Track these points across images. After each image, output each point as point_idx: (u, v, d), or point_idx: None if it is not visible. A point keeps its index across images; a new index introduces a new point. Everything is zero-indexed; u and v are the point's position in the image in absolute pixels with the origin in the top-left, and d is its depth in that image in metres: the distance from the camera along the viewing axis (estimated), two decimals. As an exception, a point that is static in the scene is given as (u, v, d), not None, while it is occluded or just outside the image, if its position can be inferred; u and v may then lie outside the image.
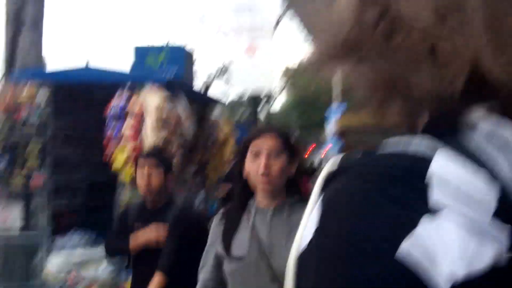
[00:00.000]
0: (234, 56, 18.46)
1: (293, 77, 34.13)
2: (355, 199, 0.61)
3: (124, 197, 5.99)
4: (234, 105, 45.09)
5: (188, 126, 6.19)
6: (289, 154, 2.53)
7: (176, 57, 8.97)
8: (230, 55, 19.45)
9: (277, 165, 2.47)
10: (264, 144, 2.49)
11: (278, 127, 2.64)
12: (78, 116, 7.13)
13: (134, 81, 6.05)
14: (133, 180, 5.84)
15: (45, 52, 8.63)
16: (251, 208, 2.59)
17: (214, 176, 7.84)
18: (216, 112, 7.85)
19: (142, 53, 9.12)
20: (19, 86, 6.26)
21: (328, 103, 33.50)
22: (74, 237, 6.11)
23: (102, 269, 5.77)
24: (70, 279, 5.78)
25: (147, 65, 8.83)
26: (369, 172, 0.63)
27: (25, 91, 6.22)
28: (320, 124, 40.71)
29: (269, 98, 34.29)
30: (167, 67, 8.69)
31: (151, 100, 5.71)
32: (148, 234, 3.66)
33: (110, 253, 4.07)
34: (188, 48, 9.78)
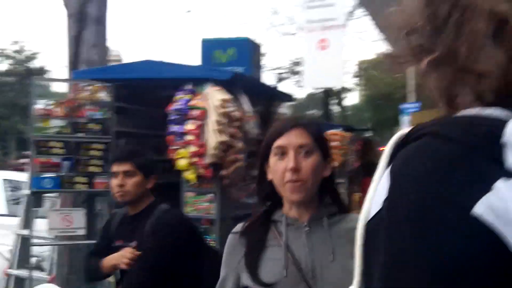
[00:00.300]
0: (306, 51, 18.04)
1: (366, 72, 33.42)
2: (428, 162, 0.65)
3: (189, 199, 5.67)
4: (305, 102, 44.71)
5: (253, 125, 5.81)
6: (321, 153, 2.08)
7: (244, 50, 8.59)
8: (301, 50, 18.96)
9: (308, 164, 2.03)
10: (290, 141, 2.05)
11: (306, 120, 2.17)
12: (141, 114, 6.87)
13: (198, 76, 5.70)
14: (198, 182, 5.57)
15: (110, 49, 8.40)
16: (278, 222, 2.13)
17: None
18: (284, 109, 7.43)
19: (209, 46, 8.77)
20: (81, 85, 6.02)
21: (402, 100, 32.91)
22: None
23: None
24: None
25: (214, 58, 8.49)
26: (444, 134, 0.67)
27: (88, 90, 5.98)
28: (394, 120, 40.18)
29: (342, 94, 33.66)
30: (235, 61, 8.34)
31: (214, 97, 5.35)
32: (115, 258, 3.30)
33: (88, 278, 3.84)
34: (257, 41, 9.42)
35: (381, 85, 34.03)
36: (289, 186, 2.02)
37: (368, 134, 12.95)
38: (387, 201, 0.68)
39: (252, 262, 2.07)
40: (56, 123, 5.92)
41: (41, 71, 36.24)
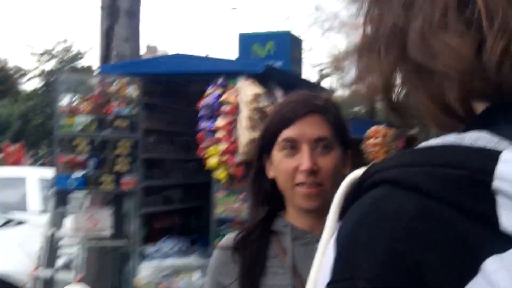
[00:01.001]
0: (350, 47, 17.72)
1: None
2: (384, 231, 0.47)
3: (219, 200, 5.38)
4: (349, 99, 44.21)
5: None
6: (342, 146, 1.60)
7: (283, 44, 8.27)
8: (345, 46, 18.65)
9: (327, 163, 1.54)
10: (304, 133, 1.55)
11: (322, 102, 1.62)
12: (171, 111, 6.60)
13: (229, 69, 5.39)
14: (229, 181, 5.27)
15: (143, 43, 8.15)
16: (281, 234, 1.63)
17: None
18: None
19: (247, 40, 8.47)
20: (109, 79, 5.76)
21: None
22: (166, 245, 5.54)
23: (196, 279, 5.23)
24: (162, 290, 5.27)
25: (252, 53, 8.20)
26: (407, 183, 0.48)
27: (116, 84, 5.72)
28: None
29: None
30: (274, 56, 8.02)
31: (246, 92, 5.03)
32: None
33: None
34: (298, 36, 9.09)
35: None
36: (301, 192, 1.54)
37: (413, 131, 12.44)
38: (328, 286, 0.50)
39: (249, 287, 1.58)
40: (81, 119, 5.67)
41: (88, 70, 36.54)
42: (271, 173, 1.62)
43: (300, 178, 1.53)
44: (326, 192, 1.53)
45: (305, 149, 1.53)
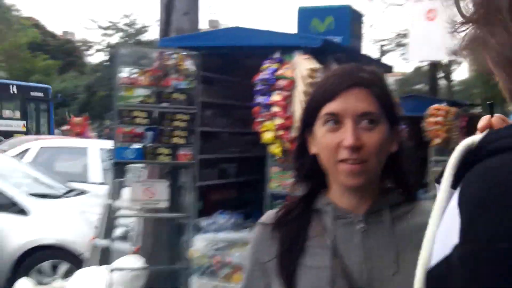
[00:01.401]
0: (412, 22, 17.28)
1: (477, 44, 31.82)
2: None
3: (274, 175, 5.37)
4: (411, 76, 43.31)
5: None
6: (389, 121, 1.51)
7: (343, 19, 8.12)
8: (408, 21, 18.22)
9: (372, 139, 1.45)
10: (348, 107, 1.46)
11: (368, 75, 1.52)
12: (228, 84, 6.60)
13: (286, 44, 5.34)
14: (284, 156, 5.25)
15: (205, 17, 8.16)
16: (323, 213, 1.56)
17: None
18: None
19: (306, 15, 8.36)
20: (167, 53, 5.79)
21: (516, 73, 31.37)
22: (220, 219, 5.58)
23: (249, 254, 5.25)
24: (215, 263, 5.32)
25: (311, 28, 8.09)
26: None
27: (175, 58, 5.75)
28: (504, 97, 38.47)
29: (450, 68, 32.24)
30: (334, 31, 7.90)
31: (302, 67, 4.98)
32: None
33: None
34: (358, 9, 8.91)
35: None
36: (345, 168, 1.45)
37: (475, 110, 12.16)
38: (461, 248, 0.51)
39: (288, 269, 1.51)
40: (140, 92, 5.73)
41: (151, 44, 36.97)
42: (313, 149, 1.55)
43: (343, 154, 1.45)
44: (371, 169, 1.46)
45: (348, 124, 1.45)
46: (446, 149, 10.44)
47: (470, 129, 11.24)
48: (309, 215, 1.57)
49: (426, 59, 17.37)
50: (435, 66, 17.36)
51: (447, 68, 31.32)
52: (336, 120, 1.47)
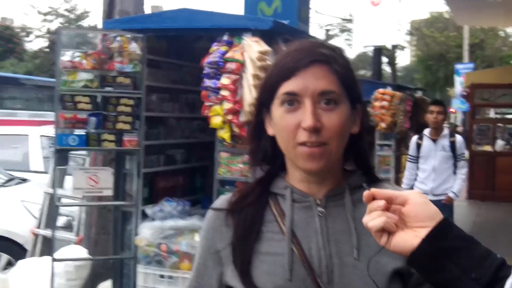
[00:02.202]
0: (357, 7, 17.40)
1: (419, 31, 32.35)
2: None
3: (223, 160, 5.24)
4: (355, 62, 43.74)
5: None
6: (350, 100, 1.41)
7: (291, 3, 8.05)
8: (352, 6, 18.32)
9: (332, 120, 1.36)
10: (307, 86, 1.35)
11: (328, 50, 1.41)
12: (175, 68, 6.42)
13: (235, 26, 5.20)
14: (233, 142, 5.13)
15: (148, 3, 7.96)
16: (280, 196, 1.48)
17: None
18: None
19: (253, -1, 8.25)
20: (111, 35, 5.57)
21: (454, 60, 32.03)
22: (167, 206, 5.42)
23: (198, 240, 5.12)
24: (162, 252, 5.18)
25: (259, 11, 7.98)
26: None
27: (119, 40, 5.54)
28: (445, 81, 39.38)
29: (393, 53, 32.67)
30: (281, 14, 7.81)
31: (252, 49, 4.85)
32: None
33: None
34: (304, -6, 8.84)
35: (433, 44, 32.99)
36: (303, 151, 1.36)
37: (418, 94, 12.32)
38: None
39: (243, 256, 1.42)
40: (83, 76, 5.50)
41: (94, 29, 36.19)
42: (270, 131, 1.46)
43: (301, 136, 1.35)
44: (331, 152, 1.38)
45: (307, 104, 1.35)
46: (391, 133, 10.53)
47: (415, 113, 11.36)
48: (266, 200, 1.48)
49: (370, 44, 17.50)
50: (379, 51, 17.48)
51: (390, 53, 31.74)
52: (294, 100, 1.37)
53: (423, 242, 1.12)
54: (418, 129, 11.51)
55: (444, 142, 7.39)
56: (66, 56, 5.46)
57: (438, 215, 1.16)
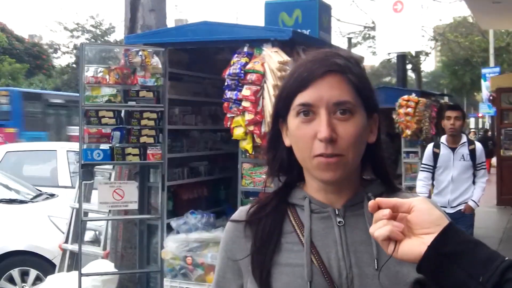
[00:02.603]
0: (380, 14, 17.35)
1: (443, 36, 32.10)
2: None
3: (245, 171, 5.25)
4: (379, 69, 43.54)
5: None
6: (366, 110, 1.40)
7: (311, 12, 8.05)
8: (375, 14, 18.28)
9: (348, 131, 1.35)
10: (321, 96, 1.34)
11: (343, 60, 1.40)
12: (197, 80, 6.46)
13: (255, 37, 5.22)
14: (255, 152, 5.13)
15: (171, 16, 8.01)
16: (298, 207, 1.47)
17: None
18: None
19: (274, 9, 8.27)
20: (133, 50, 5.62)
21: (480, 65, 31.69)
22: (192, 218, 5.44)
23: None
24: (188, 264, 5.19)
25: (280, 22, 8.00)
26: None
27: (141, 55, 5.59)
28: (471, 86, 38.97)
29: (417, 59, 32.44)
30: (302, 24, 7.82)
31: (272, 60, 4.86)
32: None
33: None
34: (325, 2, 8.84)
35: (458, 49, 32.69)
36: (319, 162, 1.35)
37: (444, 100, 12.23)
38: None
39: (262, 268, 1.42)
40: (106, 91, 5.56)
41: (115, 45, 36.59)
42: (287, 141, 1.46)
43: (317, 147, 1.35)
44: (348, 162, 1.36)
45: (322, 115, 1.34)
46: (417, 140, 10.45)
47: (440, 119, 11.27)
48: (284, 210, 1.48)
49: (394, 51, 17.42)
50: (403, 57, 17.39)
51: (415, 59, 31.53)
52: (309, 110, 1.36)
53: (429, 249, 1.12)
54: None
55: (463, 150, 6.73)
56: (90, 72, 5.52)
57: (443, 221, 1.16)
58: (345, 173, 1.37)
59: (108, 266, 5.79)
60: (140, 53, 5.59)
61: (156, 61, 5.61)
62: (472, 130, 38.13)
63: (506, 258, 1.09)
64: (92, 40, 38.57)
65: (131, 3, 7.35)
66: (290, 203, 1.49)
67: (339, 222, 1.42)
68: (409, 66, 30.47)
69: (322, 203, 1.45)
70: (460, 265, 1.09)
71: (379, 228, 1.17)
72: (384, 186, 1.49)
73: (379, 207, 1.19)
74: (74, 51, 39.33)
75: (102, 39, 38.77)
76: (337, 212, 1.43)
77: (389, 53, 23.02)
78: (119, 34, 38.99)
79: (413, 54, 28.34)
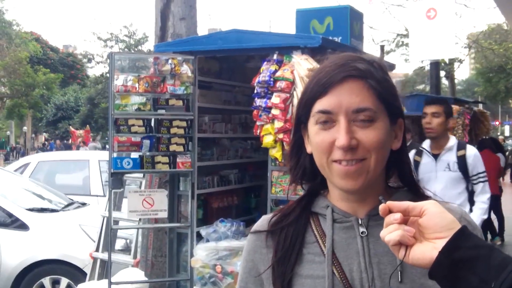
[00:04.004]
0: (413, 22, 17.21)
1: (477, 43, 31.71)
2: None
3: (275, 179, 5.20)
4: (412, 77, 43.17)
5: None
6: (389, 116, 1.35)
7: (343, 19, 7.99)
8: (408, 21, 18.16)
9: (369, 138, 1.30)
10: (341, 103, 1.30)
11: (365, 64, 1.35)
12: (227, 88, 6.45)
13: (284, 44, 5.18)
14: (285, 160, 5.08)
15: (202, 22, 8.03)
16: (321, 216, 1.43)
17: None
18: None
19: (305, 17, 8.23)
20: (163, 58, 5.63)
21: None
22: (221, 227, 5.40)
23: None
24: (217, 273, 5.16)
25: (311, 29, 7.96)
26: None
27: (170, 63, 5.59)
28: (506, 93, 38.43)
29: (451, 66, 32.08)
30: (333, 31, 7.76)
31: (301, 67, 4.81)
32: None
33: None
34: (357, 9, 8.78)
35: (492, 56, 32.25)
36: (339, 169, 1.31)
37: (478, 107, 12.03)
38: None
39: (283, 279, 1.38)
40: (136, 99, 5.57)
41: (144, 53, 36.87)
42: (309, 148, 1.41)
43: (336, 154, 1.31)
44: (369, 170, 1.32)
45: (342, 122, 1.30)
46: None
47: (473, 127, 11.08)
48: (307, 220, 1.44)
49: (427, 58, 17.23)
50: (436, 65, 17.20)
51: (448, 67, 31.18)
52: (329, 117, 1.32)
53: (441, 254, 1.09)
54: (479, 143, 11.25)
55: (449, 157, 5.17)
56: (119, 80, 5.53)
57: (455, 225, 1.12)
58: (367, 180, 1.32)
59: (138, 274, 5.78)
60: (170, 61, 5.58)
61: (185, 69, 5.60)
62: (500, 137, 37.44)
63: None
64: (126, 49, 38.98)
65: (162, 11, 7.39)
66: (313, 212, 1.45)
67: (362, 232, 1.37)
68: (442, 74, 30.15)
69: (345, 212, 1.40)
70: (473, 271, 1.06)
71: (390, 233, 1.13)
72: (411, 193, 1.43)
73: (390, 211, 1.15)
74: (108, 60, 39.83)
75: (136, 49, 39.16)
76: (360, 222, 1.38)
77: (422, 61, 22.75)
78: (152, 43, 39.41)
79: (447, 61, 28.02)
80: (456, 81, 38.18)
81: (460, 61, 33.29)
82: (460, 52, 30.74)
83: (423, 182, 4.76)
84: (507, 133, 49.41)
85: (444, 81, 34.25)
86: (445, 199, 4.01)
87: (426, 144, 5.33)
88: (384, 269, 1.34)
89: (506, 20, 16.53)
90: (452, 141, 5.24)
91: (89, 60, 43.76)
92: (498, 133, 43.97)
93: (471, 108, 11.56)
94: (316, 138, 1.34)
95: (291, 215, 1.46)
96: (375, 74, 1.33)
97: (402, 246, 1.13)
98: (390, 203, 1.15)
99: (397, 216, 1.13)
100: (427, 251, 1.11)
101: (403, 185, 1.45)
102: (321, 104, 1.32)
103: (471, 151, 5.18)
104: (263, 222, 1.51)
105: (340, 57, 1.39)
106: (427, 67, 25.80)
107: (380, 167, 1.34)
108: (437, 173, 5.15)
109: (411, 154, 5.24)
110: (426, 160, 5.22)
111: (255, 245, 1.48)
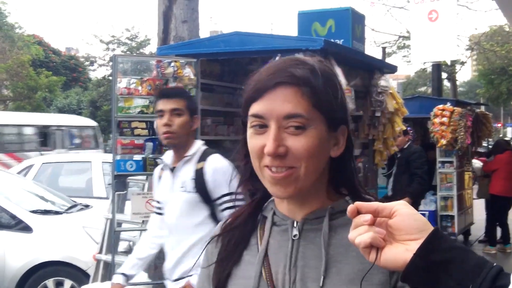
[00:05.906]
0: (414, 24, 17.19)
1: (478, 45, 31.74)
2: None
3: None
4: (414, 79, 43.19)
5: (348, 99, 5.27)
6: (327, 121, 1.32)
7: (344, 22, 8.02)
8: (410, 23, 18.18)
9: (300, 143, 1.28)
10: (272, 109, 1.28)
11: (300, 68, 1.30)
12: (230, 91, 6.47)
13: (286, 47, 5.22)
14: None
15: (204, 25, 8.07)
16: (267, 220, 1.44)
17: (382, 155, 6.89)
18: (385, 81, 6.80)
19: (307, 19, 8.26)
20: (165, 61, 5.66)
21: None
22: (225, 229, 5.42)
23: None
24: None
25: (313, 32, 7.99)
26: None
27: (173, 66, 5.63)
28: (508, 95, 38.42)
29: (453, 68, 32.10)
30: (335, 34, 7.79)
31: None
32: None
33: None
34: (359, 12, 8.81)
35: (494, 58, 32.26)
36: (269, 176, 1.30)
37: (480, 109, 12.06)
38: None
39: (218, 281, 1.44)
40: (139, 102, 5.61)
41: (147, 56, 36.89)
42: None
43: (266, 160, 1.30)
44: (298, 178, 1.30)
45: (272, 128, 1.28)
46: (452, 150, 10.31)
47: (476, 129, 11.09)
48: (255, 223, 1.46)
49: (429, 60, 17.24)
50: (438, 67, 17.22)
51: (450, 69, 31.20)
52: (262, 121, 1.30)
53: (415, 256, 1.06)
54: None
55: (186, 172, 3.50)
56: (122, 83, 5.57)
57: (428, 227, 1.10)
58: (298, 189, 1.31)
59: (141, 276, 5.80)
60: (172, 64, 5.62)
61: (188, 72, 5.64)
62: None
63: (494, 264, 1.05)
64: (128, 52, 39.01)
65: (164, 14, 7.42)
66: (263, 215, 1.47)
67: (294, 235, 1.37)
68: (444, 76, 30.18)
69: (284, 215, 1.41)
70: (449, 273, 1.04)
71: (360, 235, 1.11)
72: (353, 200, 1.37)
73: (358, 212, 1.13)
74: (110, 63, 39.84)
75: (138, 52, 39.18)
76: (295, 225, 1.39)
77: (424, 63, 22.80)
78: (154, 46, 39.40)
79: (448, 63, 28.04)
80: (458, 83, 38.21)
81: (462, 63, 33.32)
82: (462, 54, 30.79)
83: (163, 206, 3.68)
84: (509, 135, 49.41)
85: (446, 83, 34.25)
86: (179, 233, 3.49)
87: (167, 155, 3.70)
88: (308, 273, 1.33)
89: (508, 22, 16.53)
90: (195, 148, 3.56)
91: (91, 63, 43.79)
92: (500, 135, 43.94)
93: (473, 110, 11.58)
94: (250, 142, 1.34)
95: (238, 219, 1.48)
96: (311, 81, 1.30)
97: (373, 248, 1.11)
98: (358, 203, 1.13)
99: (368, 217, 1.11)
100: (399, 253, 1.09)
101: (347, 192, 1.43)
102: (254, 108, 1.32)
103: (212, 164, 3.48)
104: (218, 225, 1.55)
105: (281, 61, 1.38)
106: (429, 69, 25.84)
107: (312, 175, 1.32)
108: (174, 194, 3.56)
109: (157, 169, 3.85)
110: (166, 176, 3.65)
111: (210, 246, 1.52)
